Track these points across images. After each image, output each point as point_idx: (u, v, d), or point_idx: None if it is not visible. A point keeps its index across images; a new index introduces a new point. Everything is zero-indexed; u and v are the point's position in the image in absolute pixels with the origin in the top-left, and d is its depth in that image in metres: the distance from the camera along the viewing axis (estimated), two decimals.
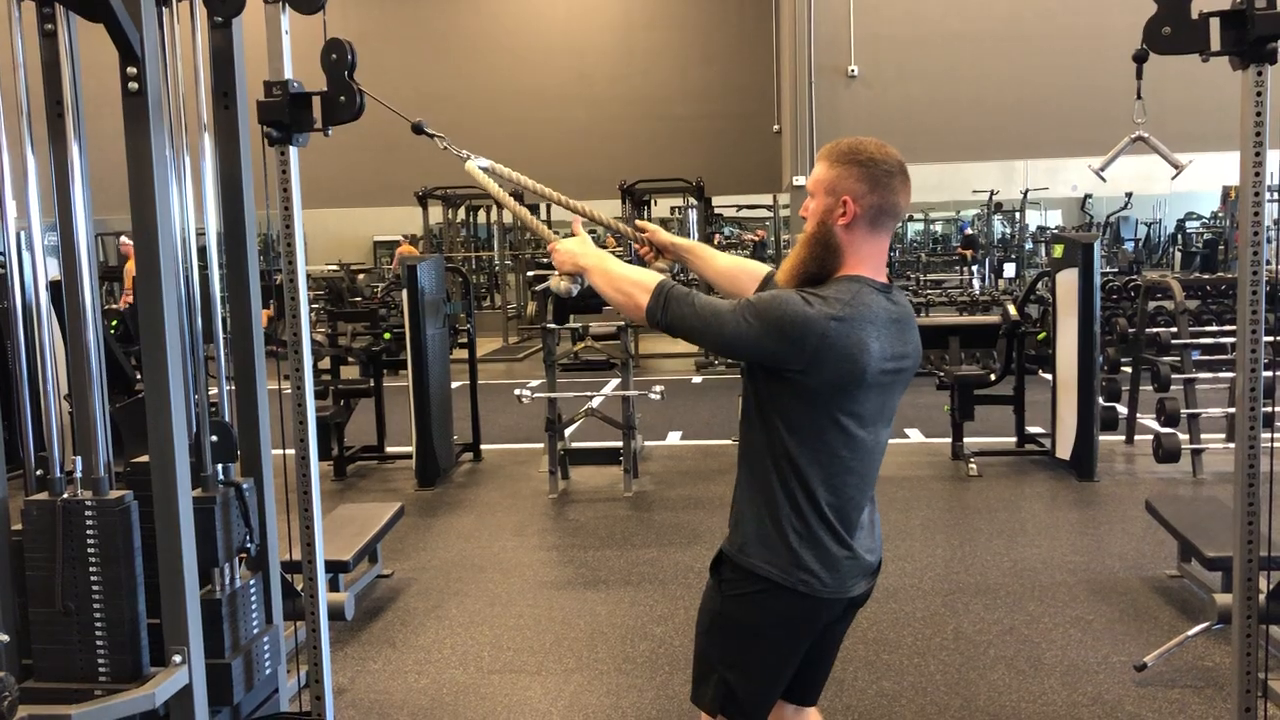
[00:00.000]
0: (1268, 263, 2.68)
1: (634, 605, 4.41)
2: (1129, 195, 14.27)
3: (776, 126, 16.18)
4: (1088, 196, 15.17)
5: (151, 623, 2.49)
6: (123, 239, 11.76)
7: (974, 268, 13.71)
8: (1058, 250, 6.60)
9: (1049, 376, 6.82)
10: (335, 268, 14.42)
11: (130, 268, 9.70)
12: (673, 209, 18.30)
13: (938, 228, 18.82)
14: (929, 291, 11.93)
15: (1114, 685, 3.53)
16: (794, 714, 2.24)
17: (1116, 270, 12.81)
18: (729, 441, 7.32)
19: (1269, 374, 2.89)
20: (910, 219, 17.43)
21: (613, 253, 2.23)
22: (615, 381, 6.92)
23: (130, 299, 10.04)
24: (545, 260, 8.46)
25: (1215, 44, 2.54)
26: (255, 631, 2.91)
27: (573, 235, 2.24)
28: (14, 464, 2.83)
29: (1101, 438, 6.45)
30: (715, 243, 16.29)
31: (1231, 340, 6.56)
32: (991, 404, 6.96)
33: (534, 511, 5.99)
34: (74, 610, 2.41)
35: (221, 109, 2.87)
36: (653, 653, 3.91)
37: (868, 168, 1.93)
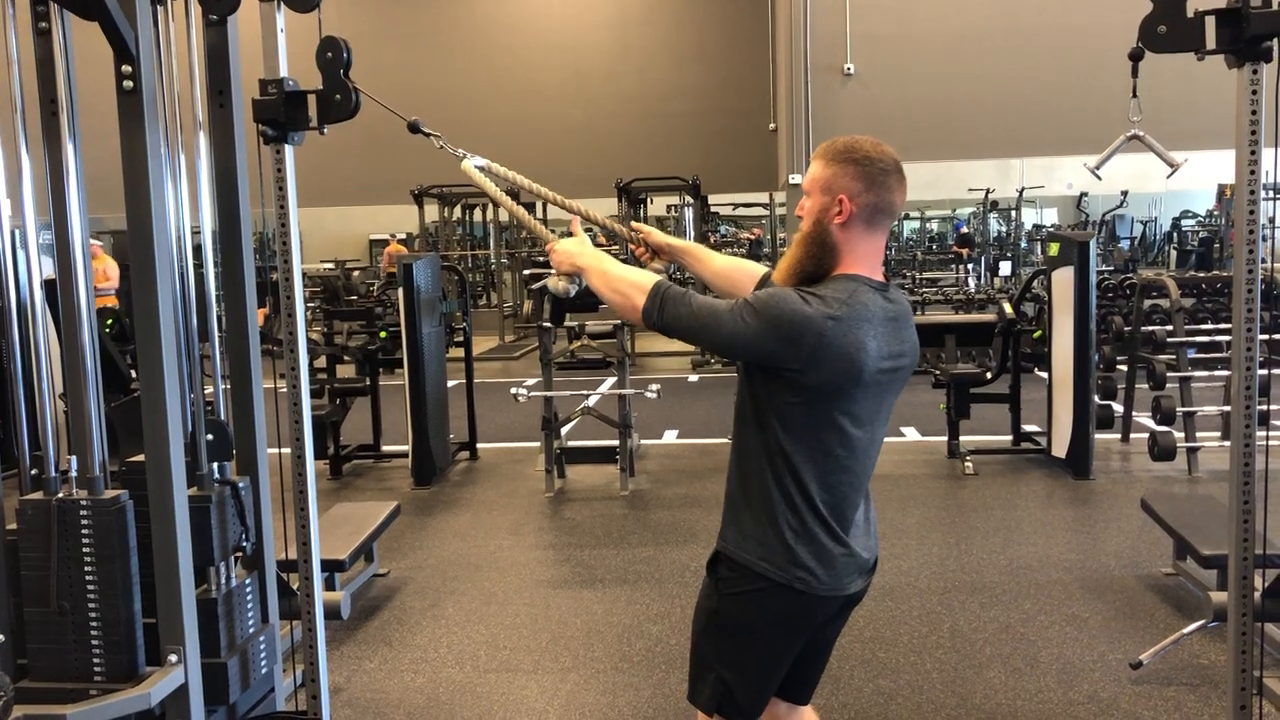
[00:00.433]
0: (1263, 261, 2.68)
1: (630, 604, 4.41)
2: (1124, 193, 14.29)
3: (772, 125, 16.18)
4: (1083, 195, 15.20)
5: (147, 622, 2.49)
6: (91, 242, 11.69)
7: (970, 266, 13.73)
8: (1053, 248, 6.61)
9: (1045, 375, 6.83)
10: (331, 266, 14.41)
11: (94, 265, 9.63)
12: (669, 207, 18.28)
13: (933, 226, 18.86)
14: (925, 290, 11.94)
15: (1109, 683, 3.53)
16: (788, 712, 2.24)
17: (1112, 268, 12.84)
18: (725, 440, 7.29)
19: (1264, 372, 2.89)
20: (906, 217, 17.47)
21: (607, 252, 2.23)
22: (611, 380, 6.91)
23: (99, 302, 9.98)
24: (542, 259, 8.47)
25: (1211, 42, 2.55)
26: (251, 631, 2.90)
27: (571, 235, 2.24)
28: (9, 463, 2.82)
29: (1097, 436, 6.46)
30: (711, 242, 16.30)
31: (1227, 338, 6.58)
32: (987, 402, 6.96)
33: (530, 510, 5.98)
34: (69, 610, 2.41)
35: (217, 107, 2.86)
36: (649, 651, 3.91)
37: (864, 166, 1.93)
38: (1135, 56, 4.05)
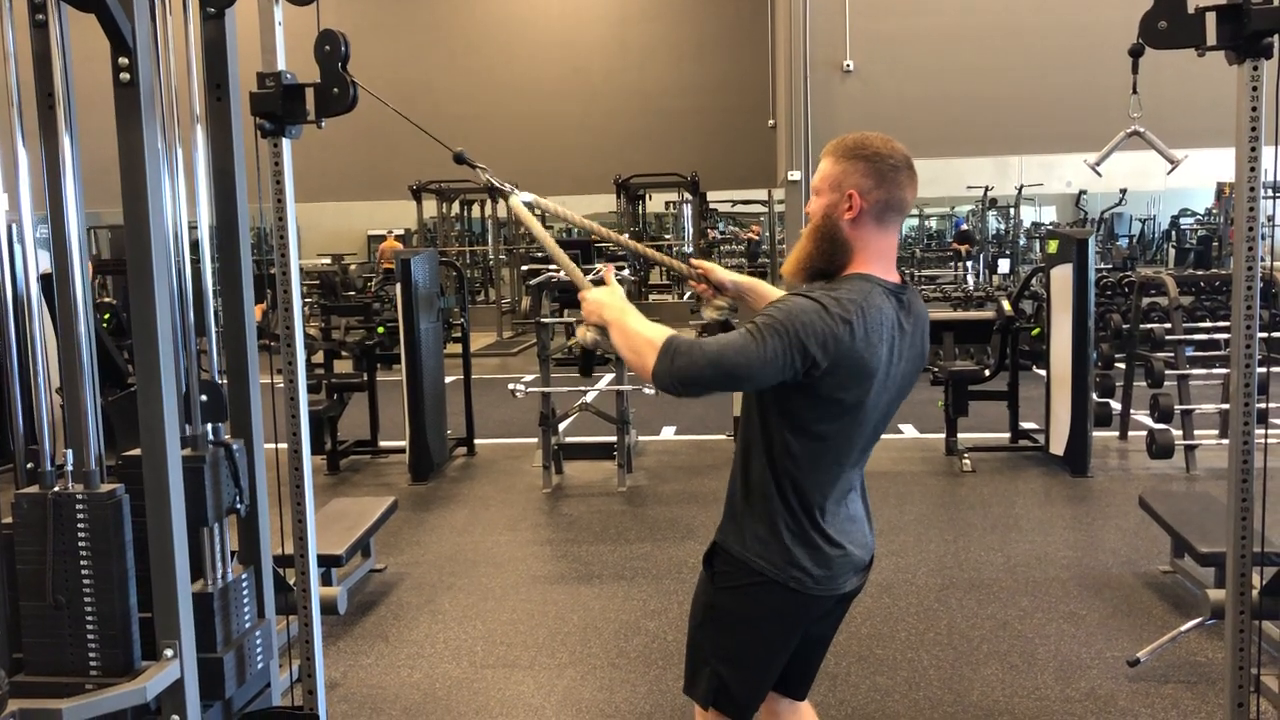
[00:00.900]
0: (1262, 259, 2.68)
1: (627, 600, 4.41)
2: (1124, 191, 14.29)
3: (771, 121, 16.15)
4: (1082, 192, 15.19)
5: (143, 616, 2.48)
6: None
7: (969, 263, 13.73)
8: (1052, 246, 6.60)
9: (1043, 372, 6.83)
10: (329, 262, 14.40)
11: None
12: (667, 204, 18.30)
13: (932, 223, 18.86)
14: (924, 287, 11.95)
15: (1107, 680, 3.54)
16: (786, 708, 2.24)
17: (1111, 266, 12.85)
18: (723, 436, 7.32)
19: (1262, 370, 2.89)
20: None
21: (615, 276, 2.12)
22: (609, 376, 6.90)
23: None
24: (540, 255, 8.45)
25: (1211, 39, 2.54)
26: (247, 625, 2.90)
27: (603, 283, 2.09)
28: (4, 457, 2.82)
29: (1095, 433, 6.46)
30: (709, 238, 16.29)
31: (1225, 336, 6.58)
32: (985, 400, 6.96)
33: (527, 506, 5.98)
34: (65, 604, 2.40)
35: (214, 101, 2.85)
36: (646, 647, 3.91)
37: (874, 162, 1.91)
38: (1135, 53, 4.05)
